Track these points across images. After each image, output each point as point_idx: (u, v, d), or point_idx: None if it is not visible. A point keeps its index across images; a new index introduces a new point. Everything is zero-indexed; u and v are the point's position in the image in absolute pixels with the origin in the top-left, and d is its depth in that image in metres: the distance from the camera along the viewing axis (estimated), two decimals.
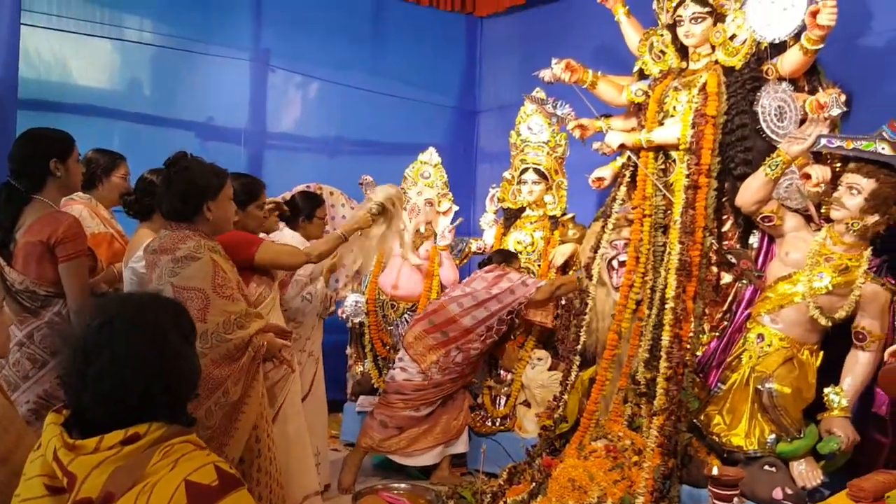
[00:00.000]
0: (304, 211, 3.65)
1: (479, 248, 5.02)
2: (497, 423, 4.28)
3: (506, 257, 4.39)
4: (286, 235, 3.56)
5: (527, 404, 4.27)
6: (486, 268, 4.26)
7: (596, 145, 4.09)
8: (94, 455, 1.24)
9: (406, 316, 4.77)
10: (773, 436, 3.08)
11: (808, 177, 3.20)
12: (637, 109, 3.89)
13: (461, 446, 4.15)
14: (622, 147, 3.79)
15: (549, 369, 4.24)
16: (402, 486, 3.85)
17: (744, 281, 3.44)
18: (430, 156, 5.10)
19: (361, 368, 4.92)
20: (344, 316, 4.90)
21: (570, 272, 4.50)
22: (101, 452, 1.24)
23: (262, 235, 3.21)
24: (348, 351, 5.07)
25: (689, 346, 3.30)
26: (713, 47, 3.59)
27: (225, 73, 5.24)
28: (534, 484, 3.36)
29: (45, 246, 2.44)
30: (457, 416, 4.12)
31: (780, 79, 3.42)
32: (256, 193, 3.02)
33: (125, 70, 4.88)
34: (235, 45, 5.28)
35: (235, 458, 2.23)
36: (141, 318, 1.33)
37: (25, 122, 3.86)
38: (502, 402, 4.35)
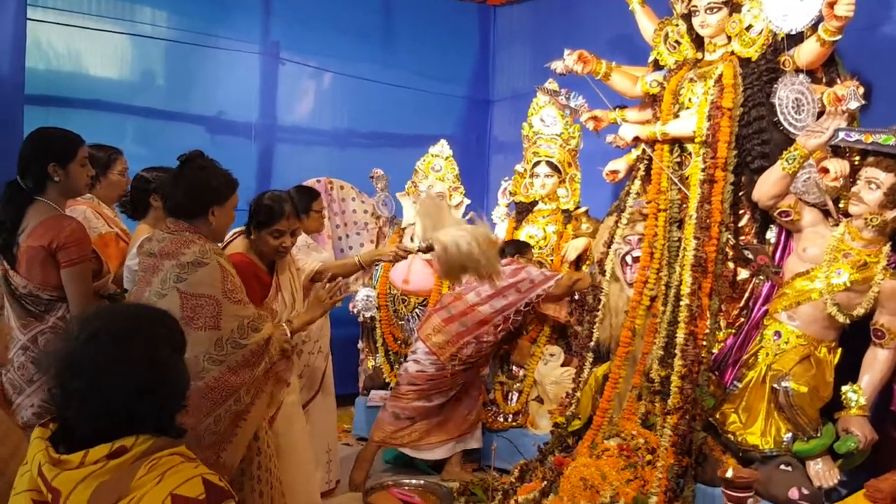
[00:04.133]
0: (299, 206, 3.62)
1: None
2: (509, 420, 4.26)
3: (519, 248, 4.34)
4: None
5: (539, 400, 4.24)
6: (504, 261, 4.21)
7: (610, 138, 4.04)
8: (78, 470, 1.22)
9: (417, 310, 4.75)
10: (789, 434, 3.04)
11: (826, 171, 3.13)
12: (652, 101, 3.83)
13: (474, 442, 4.12)
14: (637, 140, 3.73)
15: (562, 365, 4.21)
16: (413, 482, 3.85)
17: (761, 277, 3.39)
18: (442, 148, 5.06)
19: (373, 363, 4.91)
20: (355, 310, 4.89)
21: (584, 267, 4.46)
22: (86, 467, 1.22)
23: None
24: (360, 345, 5.06)
25: (704, 344, 3.25)
26: (729, 38, 3.51)
27: (235, 67, 5.22)
28: (545, 482, 3.33)
29: (48, 251, 2.41)
30: (470, 412, 4.09)
31: (798, 70, 3.34)
32: (271, 219, 2.81)
33: (134, 64, 4.86)
34: (245, 37, 5.25)
35: (234, 464, 2.20)
36: (127, 332, 1.31)
37: (35, 116, 3.89)
38: (514, 398, 4.32)
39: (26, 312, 2.46)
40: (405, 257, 3.47)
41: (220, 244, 2.57)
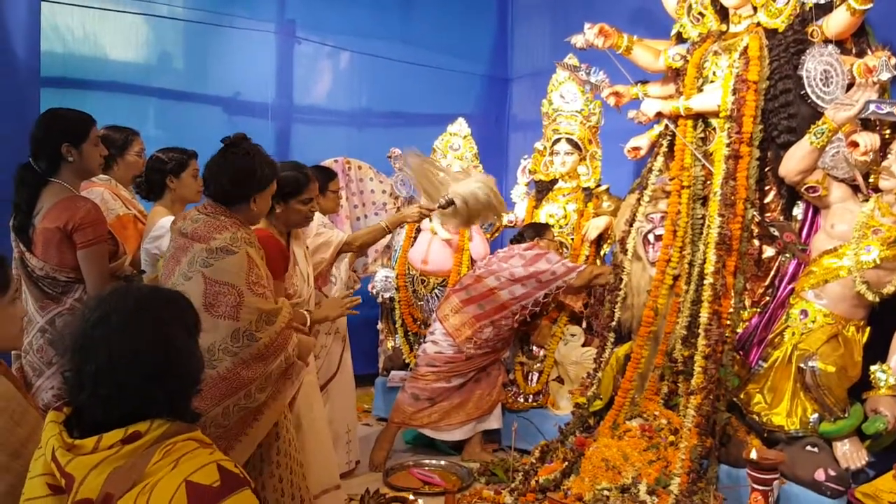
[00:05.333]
0: None
1: (511, 222, 4.93)
2: (529, 400, 4.23)
3: (538, 231, 4.29)
4: None
5: (560, 381, 4.21)
6: (524, 245, 4.16)
7: (631, 114, 3.95)
8: (92, 455, 1.20)
9: (436, 291, 4.72)
10: (815, 415, 2.99)
11: (855, 145, 3.04)
12: (675, 75, 3.74)
13: (494, 422, 4.10)
14: (659, 115, 3.66)
15: (583, 345, 4.16)
16: (434, 462, 3.85)
17: (787, 255, 3.32)
18: (460, 127, 5.01)
19: (392, 343, 4.90)
20: (374, 291, 4.87)
21: (605, 246, 4.40)
22: (100, 452, 1.20)
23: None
24: (379, 326, 5.04)
25: (728, 323, 3.20)
26: (755, 9, 3.42)
27: (251, 46, 5.18)
28: (566, 463, 3.31)
29: (63, 232, 2.40)
30: (490, 392, 4.06)
31: (826, 41, 3.25)
32: (301, 188, 2.79)
33: (150, 45, 4.84)
34: (261, 16, 5.20)
35: (240, 462, 2.17)
36: (140, 313, 1.28)
37: (52, 99, 3.87)
38: (535, 378, 4.28)
39: (43, 294, 2.46)
40: (428, 215, 3.55)
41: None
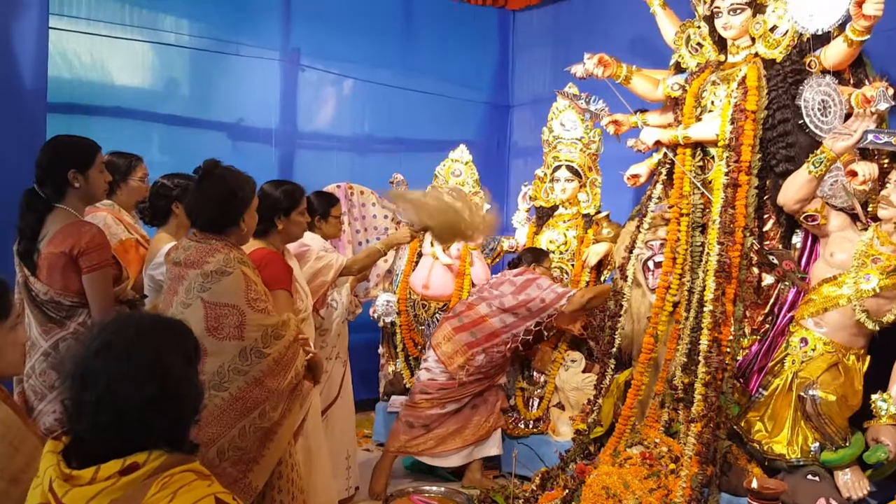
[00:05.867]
0: (319, 210, 3.64)
1: (511, 247, 4.96)
2: (530, 426, 4.22)
3: (536, 256, 4.30)
4: (306, 237, 3.55)
5: (560, 407, 4.20)
6: (516, 270, 4.17)
7: (631, 142, 4.00)
8: (89, 487, 1.19)
9: (437, 315, 4.73)
10: (816, 444, 2.98)
11: (854, 174, 3.07)
12: (673, 104, 3.78)
13: (493, 448, 4.07)
14: (658, 143, 3.68)
15: (584, 371, 4.16)
16: (434, 489, 3.81)
17: (786, 282, 3.33)
18: (462, 153, 5.05)
19: (393, 368, 4.90)
20: (375, 315, 4.88)
21: (605, 272, 4.40)
22: (97, 484, 1.19)
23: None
24: (380, 350, 5.05)
25: (728, 350, 3.20)
26: (753, 39, 3.46)
27: (256, 74, 5.24)
28: (567, 491, 3.30)
29: (69, 257, 2.42)
30: (487, 418, 4.04)
31: (824, 71, 3.29)
32: (297, 200, 2.91)
33: (156, 72, 4.90)
34: (266, 44, 5.27)
35: (260, 486, 2.17)
36: (140, 342, 1.28)
37: (58, 123, 3.93)
38: (535, 404, 4.28)
39: (47, 318, 2.48)
40: (417, 235, 3.65)
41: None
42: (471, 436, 3.98)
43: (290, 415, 2.27)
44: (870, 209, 3.13)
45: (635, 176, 4.16)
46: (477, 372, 3.96)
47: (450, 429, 3.98)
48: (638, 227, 3.77)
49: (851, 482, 2.89)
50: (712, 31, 3.59)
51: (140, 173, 3.31)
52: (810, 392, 2.92)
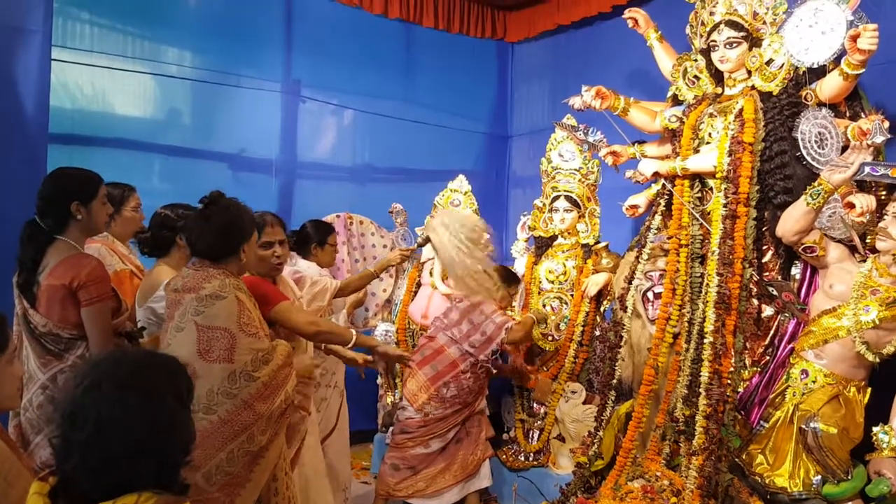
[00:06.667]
0: (315, 238, 3.66)
1: None
2: (530, 458, 4.18)
3: (506, 278, 4.20)
4: (301, 265, 3.58)
5: (561, 439, 4.16)
6: (458, 296, 4.09)
7: (629, 173, 4.01)
8: None
9: None
10: (818, 477, 2.95)
11: (851, 206, 3.08)
12: (671, 136, 3.80)
13: (484, 480, 3.96)
14: (656, 175, 3.70)
15: (584, 402, 4.13)
16: None
17: (786, 314, 3.32)
18: (461, 183, 5.07)
19: (392, 399, 4.86)
20: None
21: (604, 302, 4.40)
22: None
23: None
24: (379, 381, 5.01)
25: (729, 382, 3.18)
26: (749, 72, 3.49)
27: (256, 105, 5.29)
28: None
29: (68, 289, 2.42)
30: (473, 451, 3.92)
31: (820, 104, 3.31)
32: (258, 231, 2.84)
33: (158, 103, 4.94)
34: (267, 76, 5.33)
35: None
36: (132, 382, 1.26)
37: (60, 154, 3.96)
38: (535, 436, 4.24)
39: (46, 351, 2.47)
40: (408, 257, 3.82)
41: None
42: (460, 471, 3.86)
43: (277, 439, 2.28)
44: (868, 241, 3.14)
45: (634, 206, 4.18)
46: (454, 402, 3.85)
47: (438, 467, 3.85)
48: (637, 257, 3.78)
49: None
50: (709, 63, 3.62)
51: (133, 203, 3.31)
52: (811, 424, 2.91)
